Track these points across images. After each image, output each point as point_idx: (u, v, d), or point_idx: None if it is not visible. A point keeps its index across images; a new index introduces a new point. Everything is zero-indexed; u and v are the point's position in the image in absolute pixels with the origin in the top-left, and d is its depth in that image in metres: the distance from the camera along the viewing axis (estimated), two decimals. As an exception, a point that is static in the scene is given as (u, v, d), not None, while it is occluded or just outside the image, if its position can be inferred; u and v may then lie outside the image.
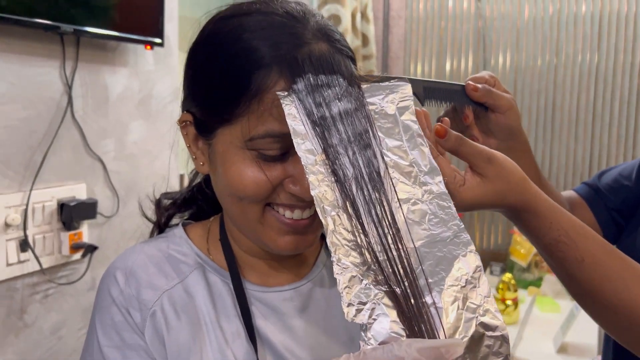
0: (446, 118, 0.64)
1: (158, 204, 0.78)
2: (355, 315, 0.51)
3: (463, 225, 0.56)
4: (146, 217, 0.79)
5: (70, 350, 1.45)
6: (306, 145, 0.55)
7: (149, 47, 1.59)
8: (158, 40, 1.57)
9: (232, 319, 0.66)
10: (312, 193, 0.54)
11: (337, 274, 0.52)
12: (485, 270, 2.74)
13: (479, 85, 0.79)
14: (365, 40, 2.73)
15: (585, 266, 0.62)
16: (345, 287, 0.51)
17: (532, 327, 2.02)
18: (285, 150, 0.59)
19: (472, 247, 0.56)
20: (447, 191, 0.57)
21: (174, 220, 0.78)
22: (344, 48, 0.62)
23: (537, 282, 2.44)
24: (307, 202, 0.61)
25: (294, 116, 0.55)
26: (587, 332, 1.95)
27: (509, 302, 2.08)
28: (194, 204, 0.78)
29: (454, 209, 0.57)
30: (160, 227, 0.77)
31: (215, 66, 0.61)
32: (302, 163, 0.54)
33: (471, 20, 2.82)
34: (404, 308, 0.51)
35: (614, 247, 0.65)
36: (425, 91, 0.76)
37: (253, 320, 0.66)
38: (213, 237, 0.72)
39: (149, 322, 0.65)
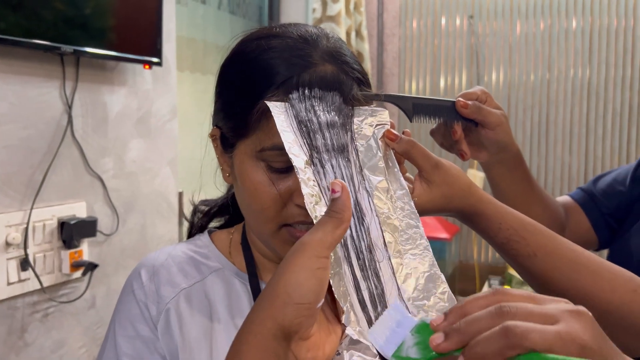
0: (407, 130, 0.68)
1: (195, 210, 0.83)
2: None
3: (429, 246, 0.60)
4: (186, 219, 0.85)
5: (70, 369, 1.45)
6: (295, 150, 0.58)
7: (147, 66, 1.61)
8: (156, 60, 1.59)
9: None
10: (304, 192, 0.56)
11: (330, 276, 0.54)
12: (483, 284, 2.75)
13: (469, 102, 0.82)
14: (360, 58, 2.76)
15: (537, 260, 0.66)
16: (336, 290, 0.54)
17: None
18: (291, 165, 0.62)
19: (435, 265, 0.60)
20: (416, 211, 0.61)
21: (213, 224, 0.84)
22: (353, 70, 0.65)
23: (536, 295, 2.45)
24: None
25: (283, 122, 0.59)
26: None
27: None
28: (227, 212, 0.83)
29: (422, 229, 0.61)
30: (192, 231, 0.83)
31: (235, 84, 0.66)
32: (293, 164, 0.57)
33: (464, 38, 2.87)
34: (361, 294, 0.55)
35: (563, 239, 0.68)
36: (414, 107, 0.78)
37: None
38: (235, 242, 0.76)
39: (164, 316, 0.69)
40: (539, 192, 0.95)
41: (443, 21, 2.89)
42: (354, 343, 0.52)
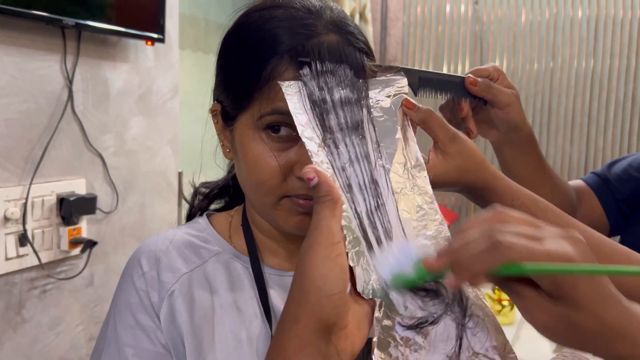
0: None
1: (195, 192, 0.81)
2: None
3: (444, 221, 0.59)
4: (187, 201, 0.83)
5: (68, 346, 1.44)
6: (308, 132, 0.57)
7: (149, 42, 1.58)
8: (158, 36, 1.57)
9: (250, 301, 0.68)
10: None
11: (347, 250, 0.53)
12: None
13: (479, 79, 0.80)
14: (363, 42, 2.74)
15: None
16: (354, 265, 0.52)
17: (529, 328, 2.02)
18: (292, 134, 0.61)
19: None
20: (431, 189, 0.60)
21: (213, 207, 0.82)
22: (357, 41, 0.64)
23: (533, 284, 2.45)
24: None
25: (296, 104, 0.58)
26: (584, 332, 1.95)
27: (505, 303, 2.08)
28: (227, 194, 0.81)
29: (437, 205, 0.60)
30: (192, 214, 0.81)
31: (237, 55, 0.65)
32: (307, 148, 0.56)
33: (468, 24, 2.84)
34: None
35: (575, 219, 0.66)
36: (420, 81, 0.76)
37: (270, 302, 0.68)
38: (235, 224, 0.74)
39: (166, 302, 0.67)
40: (550, 174, 0.93)
41: (448, 7, 2.86)
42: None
